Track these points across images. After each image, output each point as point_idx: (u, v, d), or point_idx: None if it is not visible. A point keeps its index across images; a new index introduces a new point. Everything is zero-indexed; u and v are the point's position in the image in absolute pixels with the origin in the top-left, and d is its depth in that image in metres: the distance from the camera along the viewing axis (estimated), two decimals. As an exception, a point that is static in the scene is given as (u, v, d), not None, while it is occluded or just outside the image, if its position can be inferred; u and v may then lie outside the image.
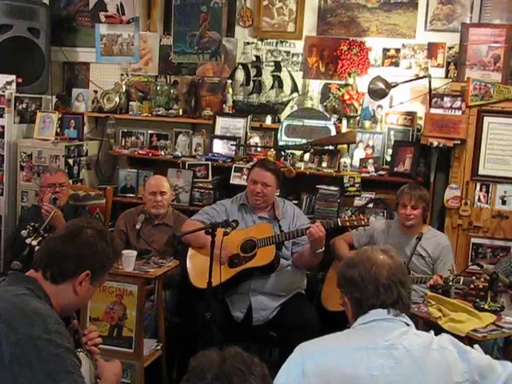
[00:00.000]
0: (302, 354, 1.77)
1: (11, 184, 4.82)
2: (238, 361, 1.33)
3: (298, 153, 4.51)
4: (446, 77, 4.46)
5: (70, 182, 4.46)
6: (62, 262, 1.86)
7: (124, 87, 5.07)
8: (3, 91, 4.72)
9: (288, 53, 4.83)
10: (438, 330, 2.12)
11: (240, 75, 4.90)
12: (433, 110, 4.15)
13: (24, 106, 4.89)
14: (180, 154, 4.73)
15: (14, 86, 4.76)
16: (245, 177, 4.31)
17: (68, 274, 1.87)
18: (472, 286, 3.23)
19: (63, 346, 1.70)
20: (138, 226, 3.94)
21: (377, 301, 1.82)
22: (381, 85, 4.30)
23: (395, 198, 3.88)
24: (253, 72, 4.83)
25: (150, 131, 5.04)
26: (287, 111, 4.74)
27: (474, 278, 3.24)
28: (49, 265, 1.86)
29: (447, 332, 2.24)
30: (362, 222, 3.53)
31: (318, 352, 1.76)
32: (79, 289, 1.88)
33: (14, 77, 4.76)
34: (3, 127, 4.73)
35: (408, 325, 1.82)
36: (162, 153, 4.77)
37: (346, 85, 4.58)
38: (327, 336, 1.85)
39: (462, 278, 3.29)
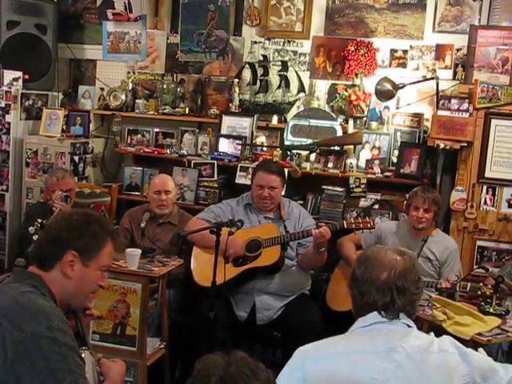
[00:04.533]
0: (302, 358, 1.76)
1: (16, 180, 4.82)
2: (243, 365, 1.32)
3: (304, 153, 4.49)
4: (454, 79, 4.45)
5: (76, 178, 4.45)
6: (45, 247, 1.87)
7: (130, 85, 5.08)
8: (10, 87, 4.72)
9: (295, 52, 4.81)
10: (443, 333, 2.09)
11: (247, 74, 4.89)
12: (440, 112, 4.15)
13: (30, 102, 4.90)
14: (186, 153, 4.73)
15: (20, 82, 4.78)
16: (250, 176, 4.30)
17: (52, 257, 1.85)
18: (479, 292, 3.22)
19: (66, 345, 1.69)
20: (142, 225, 3.94)
21: (368, 300, 1.80)
22: (388, 86, 4.29)
23: (407, 200, 3.83)
24: (260, 71, 4.82)
25: (155, 129, 5.04)
26: (294, 111, 4.73)
27: (481, 284, 3.22)
28: (36, 254, 1.88)
29: (451, 335, 2.23)
30: (368, 225, 3.51)
31: (318, 356, 1.75)
32: (70, 272, 1.84)
33: (20, 73, 4.77)
34: (9, 123, 4.74)
35: (409, 326, 1.81)
36: (168, 151, 4.76)
37: (353, 85, 4.57)
38: (328, 339, 1.84)
39: (469, 284, 3.27)
